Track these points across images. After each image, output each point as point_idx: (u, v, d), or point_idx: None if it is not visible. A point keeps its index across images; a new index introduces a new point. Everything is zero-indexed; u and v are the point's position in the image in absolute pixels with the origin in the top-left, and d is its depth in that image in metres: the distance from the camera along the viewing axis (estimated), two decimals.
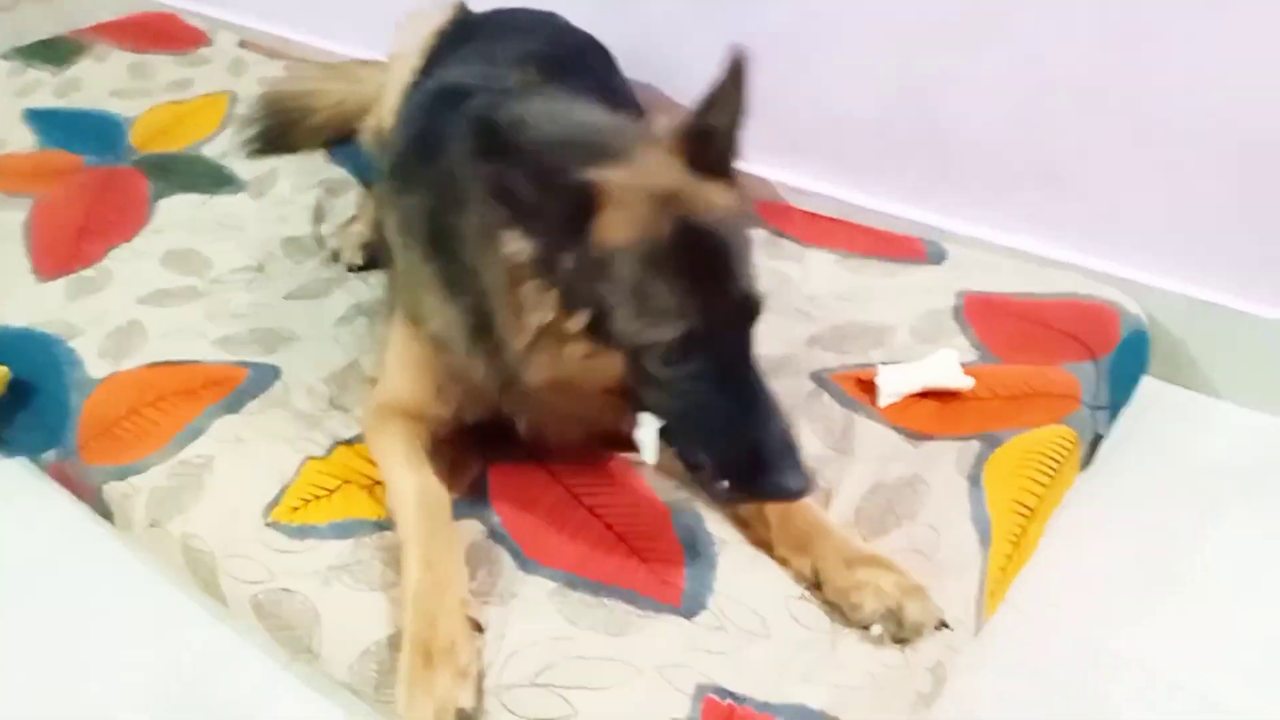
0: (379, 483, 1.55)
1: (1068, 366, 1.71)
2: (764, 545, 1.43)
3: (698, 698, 1.21)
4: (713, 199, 1.29)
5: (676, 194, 1.27)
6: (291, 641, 1.36)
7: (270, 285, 2.07)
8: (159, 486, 1.56)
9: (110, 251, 2.19)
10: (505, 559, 1.44)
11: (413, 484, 1.43)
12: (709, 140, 1.33)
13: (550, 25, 2.16)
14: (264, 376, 1.78)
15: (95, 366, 1.82)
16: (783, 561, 1.40)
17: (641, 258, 1.23)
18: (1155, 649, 1.44)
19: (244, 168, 2.54)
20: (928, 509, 1.49)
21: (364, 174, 2.39)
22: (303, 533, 1.47)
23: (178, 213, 2.35)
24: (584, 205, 1.22)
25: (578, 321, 1.26)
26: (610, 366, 1.28)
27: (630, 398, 1.33)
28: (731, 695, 1.22)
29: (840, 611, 1.33)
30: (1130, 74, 1.78)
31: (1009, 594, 1.50)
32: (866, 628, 1.30)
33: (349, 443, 1.65)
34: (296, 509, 1.51)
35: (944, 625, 1.31)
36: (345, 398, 1.75)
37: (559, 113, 1.46)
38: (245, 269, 2.13)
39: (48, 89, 3.01)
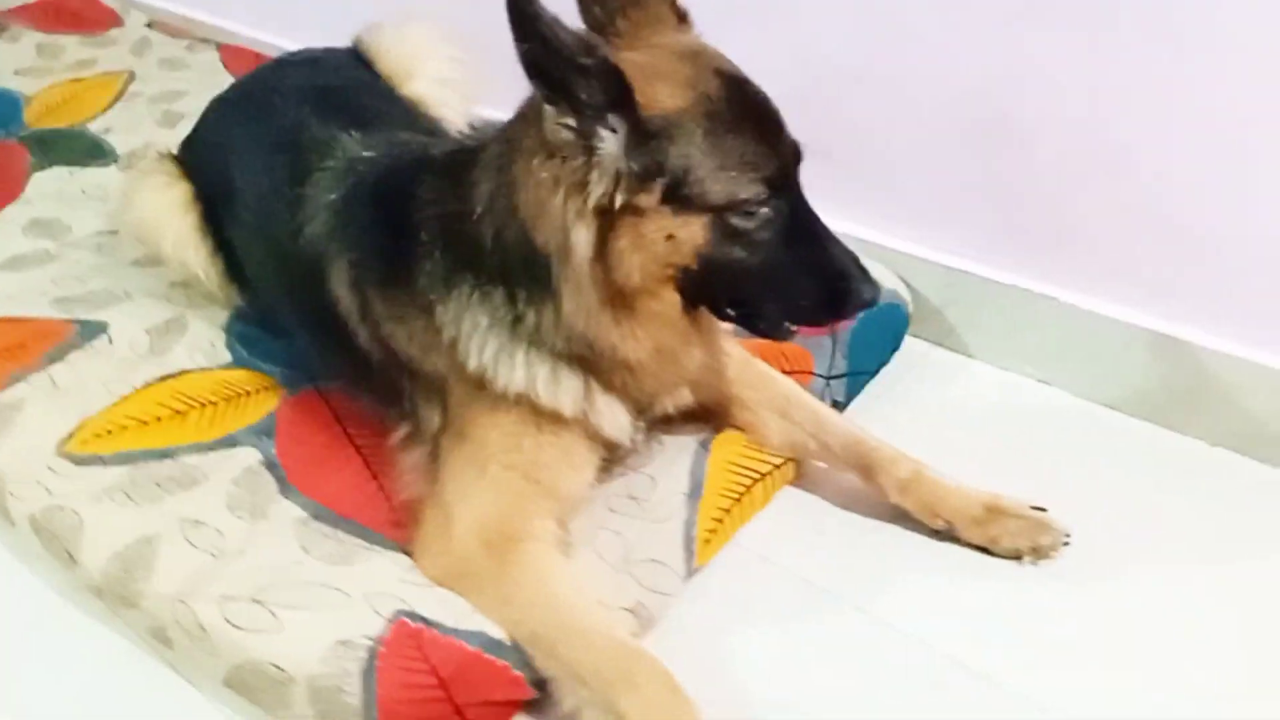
0: (175, 414, 1.81)
1: (803, 341, 1.93)
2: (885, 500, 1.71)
3: (393, 619, 1.42)
4: (721, 53, 1.44)
5: (698, 53, 1.43)
6: (58, 551, 1.61)
7: (119, 251, 2.31)
8: None
9: None
10: (270, 484, 1.69)
11: (623, 647, 1.40)
12: None
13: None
14: (91, 331, 2.03)
15: None
16: (908, 515, 1.69)
17: (708, 115, 1.35)
18: (873, 592, 1.63)
19: (122, 142, 2.80)
20: (654, 464, 1.74)
21: None
22: (87, 461, 1.72)
23: (49, 184, 2.62)
24: (614, 80, 1.30)
25: (653, 193, 1.35)
26: (690, 239, 1.38)
27: (695, 291, 1.46)
28: (424, 620, 1.42)
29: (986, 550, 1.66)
30: (887, 57, 2.02)
31: (738, 538, 1.72)
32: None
33: (153, 384, 1.90)
34: (87, 442, 1.76)
35: (1067, 541, 1.65)
36: (161, 344, 2.01)
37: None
38: (99, 234, 2.38)
39: None
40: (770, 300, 1.50)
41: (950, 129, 1.99)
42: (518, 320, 1.50)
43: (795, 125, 2.16)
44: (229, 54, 3.29)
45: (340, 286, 1.66)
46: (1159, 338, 1.89)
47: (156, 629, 1.51)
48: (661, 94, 1.35)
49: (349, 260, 1.65)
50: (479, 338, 1.52)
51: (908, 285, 2.13)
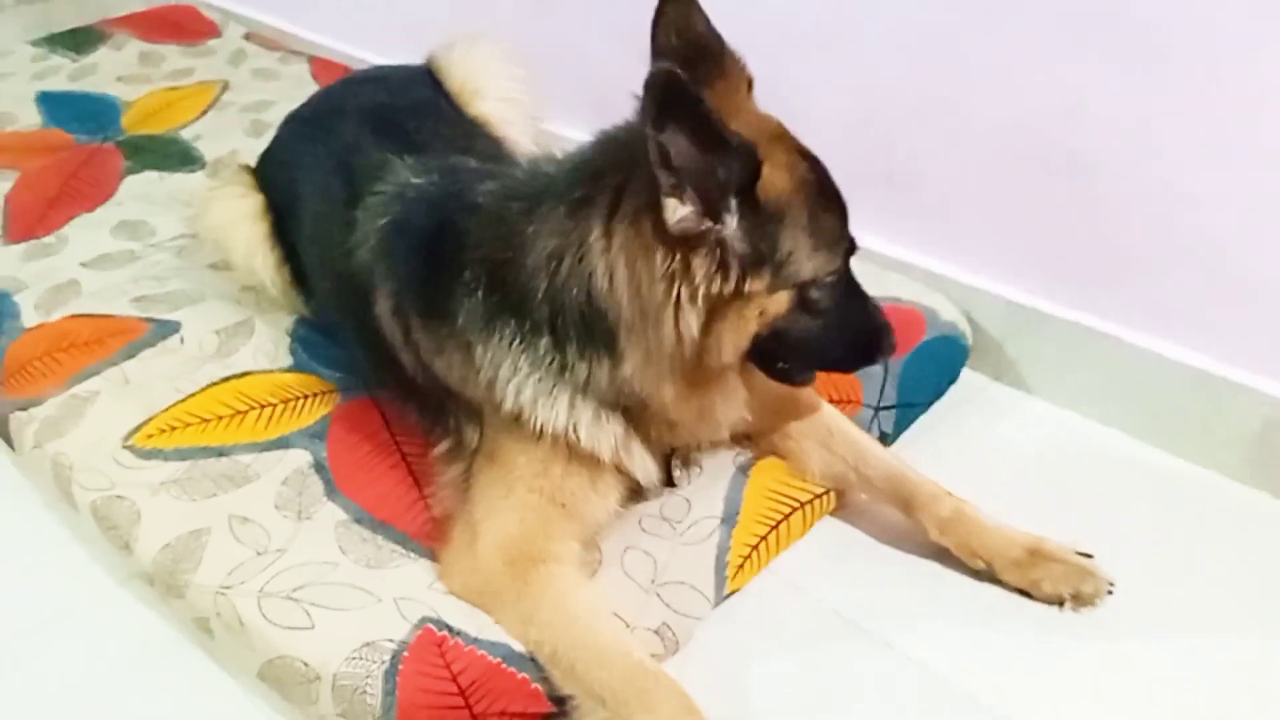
0: (236, 414, 1.89)
1: None
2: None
3: (419, 626, 1.47)
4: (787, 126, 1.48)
5: (781, 130, 1.46)
6: (115, 538, 1.70)
7: (197, 254, 2.42)
8: (49, 416, 1.92)
9: (72, 220, 2.59)
10: (317, 485, 1.75)
11: (645, 668, 1.42)
12: (722, 58, 1.50)
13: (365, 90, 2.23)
14: (164, 330, 2.13)
15: (29, 317, 2.20)
16: (949, 553, 1.68)
17: (809, 198, 1.40)
18: (904, 628, 1.62)
19: (210, 149, 2.92)
20: (690, 487, 1.76)
21: None
22: (149, 455, 1.81)
23: (139, 188, 2.75)
24: (756, 166, 1.32)
25: (763, 278, 1.39)
26: (775, 311, 1.44)
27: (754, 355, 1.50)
28: (449, 628, 1.47)
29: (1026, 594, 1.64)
30: (947, 89, 2.01)
31: (773, 565, 1.72)
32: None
33: (217, 383, 1.98)
34: (152, 436, 1.85)
35: (1110, 590, 1.61)
36: (229, 345, 2.10)
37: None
38: (181, 237, 2.49)
39: (64, 74, 3.47)
40: (816, 358, 1.58)
41: (1012, 162, 1.97)
42: (564, 368, 1.51)
43: (857, 155, 2.19)
44: (319, 66, 3.42)
45: (384, 312, 1.71)
46: (1224, 383, 1.84)
47: (200, 619, 1.58)
48: (774, 179, 1.37)
49: (392, 288, 1.69)
50: (518, 381, 1.53)
51: (969, 318, 2.11)
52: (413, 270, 1.67)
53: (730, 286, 1.39)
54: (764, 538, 1.69)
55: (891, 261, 2.19)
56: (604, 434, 1.56)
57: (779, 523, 1.72)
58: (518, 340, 1.53)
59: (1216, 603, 1.66)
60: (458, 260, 1.59)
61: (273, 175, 2.18)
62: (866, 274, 2.09)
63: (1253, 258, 1.75)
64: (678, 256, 1.36)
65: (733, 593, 1.66)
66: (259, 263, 2.12)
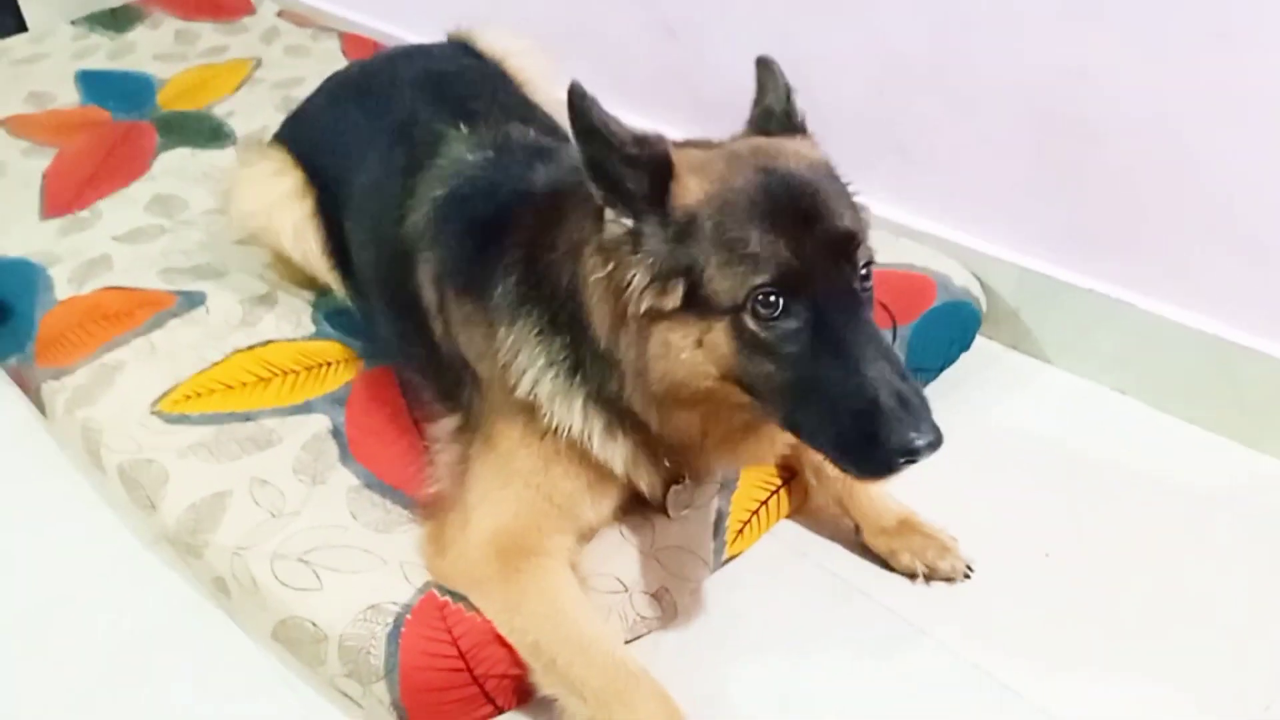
0: (260, 380, 1.95)
1: None
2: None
3: (422, 590, 1.51)
4: (799, 150, 1.39)
5: (756, 150, 1.38)
6: (140, 498, 1.76)
7: (224, 228, 2.46)
8: (79, 384, 1.99)
9: (107, 197, 2.66)
10: (333, 450, 1.81)
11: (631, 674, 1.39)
12: (770, 116, 1.48)
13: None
14: (191, 301, 2.20)
15: (62, 290, 2.28)
16: (822, 509, 1.69)
17: (721, 207, 1.29)
18: (904, 592, 1.64)
19: (242, 125, 2.98)
20: None
21: None
22: (176, 420, 1.88)
23: (173, 163, 2.82)
24: (661, 172, 1.31)
25: (673, 296, 1.29)
26: (714, 346, 1.30)
27: (753, 396, 1.33)
28: (450, 593, 1.50)
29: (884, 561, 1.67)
30: (959, 54, 2.01)
31: (776, 531, 1.75)
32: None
33: (242, 351, 2.05)
34: (178, 402, 1.92)
35: (968, 574, 1.65)
36: (253, 315, 2.17)
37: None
38: (210, 212, 2.55)
39: (103, 53, 3.56)
40: (794, 418, 1.31)
41: (1022, 128, 1.97)
42: (576, 369, 1.49)
43: (871, 124, 2.18)
44: (349, 42, 3.46)
45: (425, 279, 1.72)
46: (1242, 350, 1.82)
47: (217, 579, 1.64)
48: (691, 187, 1.32)
49: (437, 257, 1.70)
50: (533, 374, 1.51)
51: (984, 286, 2.11)
52: (460, 243, 1.66)
53: (634, 296, 1.32)
54: (764, 503, 1.71)
55: (905, 229, 2.19)
56: (617, 447, 1.52)
57: (779, 488, 1.73)
58: (538, 331, 1.51)
59: (1233, 573, 1.65)
60: (501, 241, 1.58)
61: (312, 137, 2.16)
62: (878, 241, 2.12)
63: (1269, 220, 1.73)
64: (609, 265, 1.36)
65: (733, 557, 1.69)
66: (310, 244, 2.09)
